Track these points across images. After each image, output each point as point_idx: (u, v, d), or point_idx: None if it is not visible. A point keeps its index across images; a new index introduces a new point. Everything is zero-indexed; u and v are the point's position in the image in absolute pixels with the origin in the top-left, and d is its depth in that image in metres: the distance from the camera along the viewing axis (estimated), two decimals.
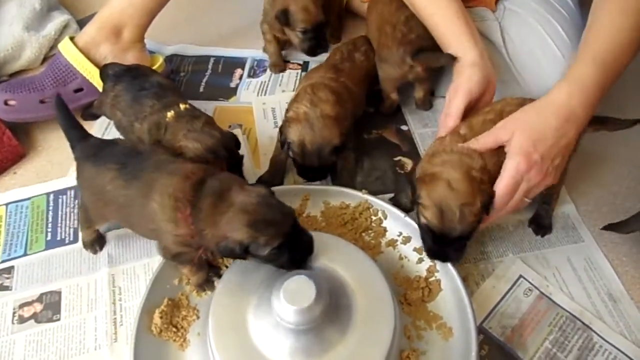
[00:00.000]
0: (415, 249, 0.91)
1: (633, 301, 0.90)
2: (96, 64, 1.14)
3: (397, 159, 1.12)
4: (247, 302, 0.77)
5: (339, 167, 1.02)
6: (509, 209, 0.83)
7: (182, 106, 0.95)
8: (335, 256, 0.82)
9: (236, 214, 0.72)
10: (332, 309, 0.72)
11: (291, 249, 0.75)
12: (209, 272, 0.87)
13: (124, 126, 0.99)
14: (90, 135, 0.89)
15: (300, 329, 0.71)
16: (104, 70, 1.08)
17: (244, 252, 0.72)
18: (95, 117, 1.19)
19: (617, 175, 1.11)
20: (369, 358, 0.72)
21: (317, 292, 0.70)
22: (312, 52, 1.23)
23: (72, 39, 1.15)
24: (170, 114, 0.93)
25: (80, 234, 0.98)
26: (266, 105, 1.25)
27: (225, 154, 0.91)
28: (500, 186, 0.79)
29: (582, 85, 0.80)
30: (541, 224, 1.00)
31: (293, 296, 0.70)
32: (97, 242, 0.97)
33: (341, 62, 1.11)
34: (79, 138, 0.87)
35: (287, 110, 1.01)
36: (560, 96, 0.80)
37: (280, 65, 1.34)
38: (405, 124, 1.20)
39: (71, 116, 0.90)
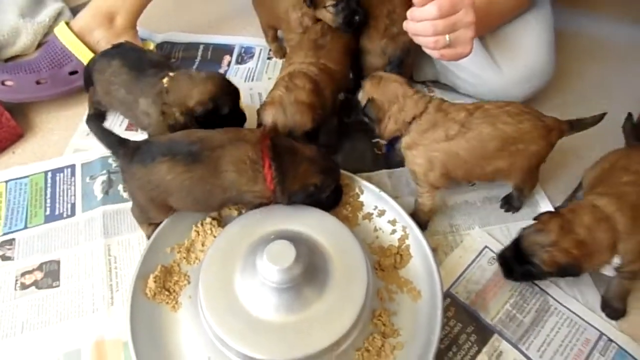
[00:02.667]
0: (389, 221, 0.99)
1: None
2: (90, 48, 1.20)
3: (375, 140, 1.20)
4: (233, 266, 0.84)
5: (322, 129, 1.07)
6: (429, 34, 0.89)
7: (173, 73, 1.02)
8: (315, 225, 0.89)
9: (311, 165, 0.90)
10: (310, 270, 0.80)
11: (336, 191, 0.96)
12: None
13: (128, 103, 1.03)
14: (126, 139, 0.92)
15: (283, 288, 0.78)
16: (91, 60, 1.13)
17: (317, 195, 0.91)
18: (101, 117, 1.22)
19: (583, 159, 1.19)
20: (344, 314, 0.79)
21: (297, 254, 0.78)
22: (349, 23, 1.13)
23: (67, 24, 1.21)
24: (165, 79, 1.00)
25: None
26: (253, 90, 1.32)
27: (228, 98, 1.01)
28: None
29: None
30: (512, 205, 1.07)
31: (275, 257, 0.78)
32: None
33: (322, 36, 1.14)
34: (118, 143, 0.92)
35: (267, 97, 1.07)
36: None
37: (282, 50, 1.39)
38: None
39: (103, 127, 0.97)
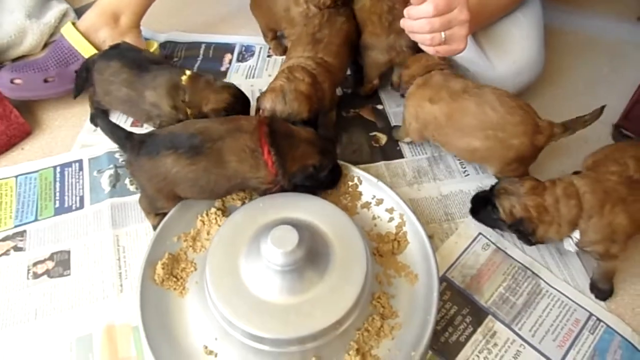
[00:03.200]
0: (386, 210, 1.03)
1: (577, 254, 1.03)
2: (96, 47, 1.23)
3: (372, 134, 1.24)
4: (238, 251, 0.88)
5: (321, 122, 1.12)
6: (426, 31, 0.93)
7: (188, 72, 1.09)
8: (316, 213, 0.93)
9: (308, 146, 0.95)
10: (312, 254, 0.84)
11: (334, 171, 1.01)
12: None
13: (132, 100, 1.10)
14: (132, 133, 0.96)
15: (286, 270, 0.82)
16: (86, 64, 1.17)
17: (317, 176, 0.96)
18: (105, 113, 1.25)
19: (570, 149, 1.23)
20: (344, 295, 0.83)
21: (299, 238, 0.82)
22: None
23: (73, 24, 1.25)
24: (184, 77, 1.06)
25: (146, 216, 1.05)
26: (254, 87, 1.36)
27: (241, 108, 1.09)
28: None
29: None
30: None
31: (279, 241, 0.82)
32: None
33: (320, 30, 1.17)
34: (125, 137, 0.95)
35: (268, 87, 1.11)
36: None
37: (281, 47, 1.44)
38: (381, 103, 1.32)
39: (111, 121, 1.01)
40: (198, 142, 0.91)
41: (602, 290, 0.97)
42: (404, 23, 0.97)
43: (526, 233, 0.92)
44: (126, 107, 1.14)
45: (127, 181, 1.13)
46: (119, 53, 1.14)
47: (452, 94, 1.03)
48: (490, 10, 1.15)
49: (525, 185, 0.92)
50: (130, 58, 1.13)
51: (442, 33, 0.93)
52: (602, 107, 0.99)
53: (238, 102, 1.09)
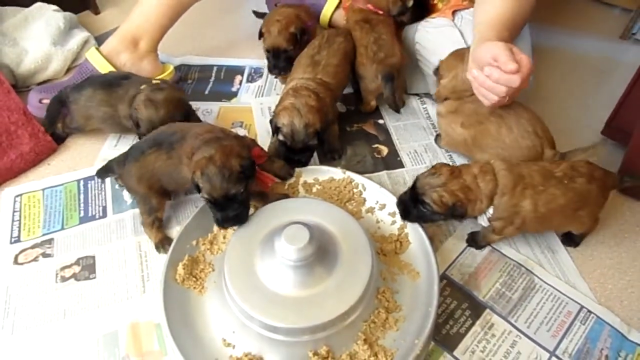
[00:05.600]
0: (389, 214, 1.11)
1: (567, 251, 1.11)
2: (117, 69, 1.34)
3: (374, 146, 1.34)
4: (254, 250, 0.96)
5: (326, 136, 1.22)
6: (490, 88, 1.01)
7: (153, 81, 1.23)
8: (325, 215, 1.01)
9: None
10: (322, 251, 0.92)
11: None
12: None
13: (110, 115, 1.22)
14: (116, 157, 1.12)
15: (298, 265, 0.90)
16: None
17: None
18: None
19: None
20: (352, 288, 0.90)
21: (310, 235, 0.90)
22: (269, 69, 1.42)
23: (97, 49, 1.35)
24: (143, 86, 1.19)
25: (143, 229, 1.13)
26: (263, 105, 1.46)
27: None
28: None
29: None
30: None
31: (292, 238, 0.90)
32: (166, 242, 1.10)
33: (318, 52, 1.29)
34: (113, 162, 1.12)
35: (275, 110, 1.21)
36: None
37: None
38: (382, 118, 1.42)
39: (106, 166, 1.15)
40: (170, 140, 1.03)
41: (478, 245, 1.11)
42: (478, 79, 1.03)
43: (461, 215, 1.00)
44: (107, 124, 1.26)
45: None
46: (88, 81, 1.25)
47: (480, 118, 1.14)
48: (517, 28, 1.19)
49: (443, 174, 0.99)
50: (99, 81, 1.24)
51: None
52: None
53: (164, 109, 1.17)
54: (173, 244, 1.04)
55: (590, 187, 0.99)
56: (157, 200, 1.09)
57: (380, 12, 1.38)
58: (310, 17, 1.46)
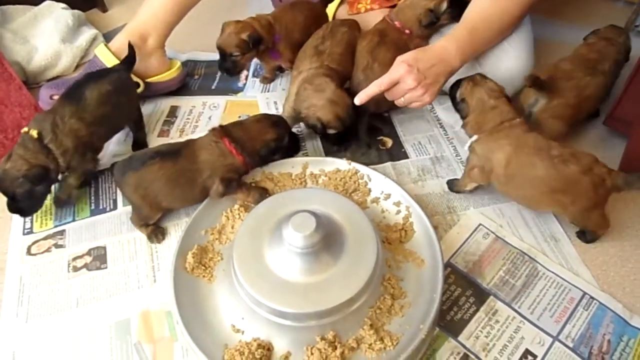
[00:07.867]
0: (394, 203, 1.13)
1: (570, 240, 1.12)
2: None
3: (379, 138, 1.35)
4: (262, 238, 0.98)
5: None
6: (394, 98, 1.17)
7: None
8: (331, 204, 1.03)
9: (259, 124, 1.15)
10: (328, 238, 0.94)
11: (293, 139, 1.22)
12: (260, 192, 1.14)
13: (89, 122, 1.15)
14: (115, 162, 1.14)
15: (305, 252, 0.92)
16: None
17: (280, 145, 1.16)
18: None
19: None
20: (357, 275, 0.92)
21: (317, 223, 0.92)
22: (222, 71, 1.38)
23: (105, 45, 1.38)
24: None
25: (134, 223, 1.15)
26: (269, 99, 1.48)
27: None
28: (385, 79, 1.13)
29: (457, 41, 1.17)
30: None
31: (299, 226, 0.92)
32: (158, 232, 1.13)
33: (322, 42, 1.30)
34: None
35: (298, 109, 1.23)
36: (440, 44, 1.18)
37: (269, 78, 1.55)
38: (386, 111, 1.43)
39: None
40: (178, 147, 1.09)
41: (453, 189, 1.21)
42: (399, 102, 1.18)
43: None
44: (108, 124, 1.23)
45: None
46: (62, 100, 1.17)
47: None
48: (485, 38, 1.24)
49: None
50: (65, 96, 1.18)
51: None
52: None
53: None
54: (181, 235, 1.06)
55: (581, 178, 0.98)
56: (149, 212, 1.10)
57: (407, 32, 1.32)
58: (284, 30, 1.39)
